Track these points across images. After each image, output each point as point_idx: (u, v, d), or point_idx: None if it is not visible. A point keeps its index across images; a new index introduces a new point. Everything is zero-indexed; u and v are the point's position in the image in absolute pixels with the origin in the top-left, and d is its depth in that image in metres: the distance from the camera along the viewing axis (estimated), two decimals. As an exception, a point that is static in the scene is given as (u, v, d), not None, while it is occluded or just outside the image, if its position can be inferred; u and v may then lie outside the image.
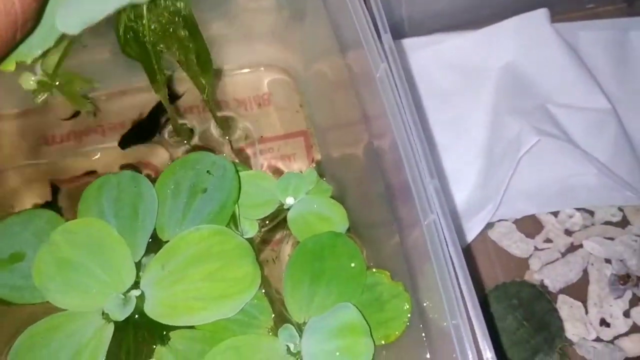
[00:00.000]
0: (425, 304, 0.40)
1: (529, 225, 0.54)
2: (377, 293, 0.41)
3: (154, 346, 0.40)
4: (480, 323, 0.31)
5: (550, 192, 0.54)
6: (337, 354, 0.38)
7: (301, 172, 0.45)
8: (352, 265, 0.41)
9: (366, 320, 0.38)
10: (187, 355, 0.39)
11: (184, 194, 0.42)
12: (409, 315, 0.40)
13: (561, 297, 0.52)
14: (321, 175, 0.47)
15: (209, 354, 0.38)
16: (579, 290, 0.52)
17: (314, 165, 0.51)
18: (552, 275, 0.52)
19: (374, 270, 0.42)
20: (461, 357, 0.31)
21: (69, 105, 0.51)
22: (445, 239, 0.33)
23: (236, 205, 0.41)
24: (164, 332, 0.40)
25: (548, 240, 0.54)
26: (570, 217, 0.54)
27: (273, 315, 0.41)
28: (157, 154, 0.52)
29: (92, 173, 0.51)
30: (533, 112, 0.54)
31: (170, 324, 0.39)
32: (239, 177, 0.42)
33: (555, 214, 0.54)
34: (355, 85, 0.43)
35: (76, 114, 0.52)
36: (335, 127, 0.50)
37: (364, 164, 0.44)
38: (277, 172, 0.51)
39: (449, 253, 0.33)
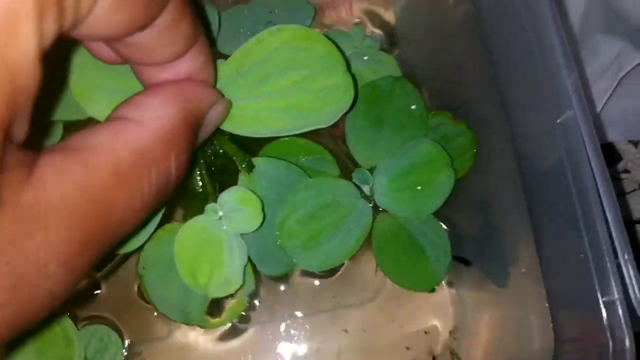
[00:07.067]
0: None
1: (607, 155, 0.50)
2: (441, 132, 0.38)
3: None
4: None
5: (634, 120, 0.50)
6: (419, 187, 0.35)
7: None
8: (413, 107, 0.38)
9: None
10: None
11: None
12: (474, 150, 0.38)
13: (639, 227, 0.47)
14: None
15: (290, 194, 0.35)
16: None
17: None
18: (630, 206, 0.48)
19: (433, 112, 0.39)
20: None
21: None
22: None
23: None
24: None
25: (626, 171, 0.50)
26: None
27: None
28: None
29: None
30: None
31: (253, 135, 0.33)
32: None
33: (636, 143, 0.51)
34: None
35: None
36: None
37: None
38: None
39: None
